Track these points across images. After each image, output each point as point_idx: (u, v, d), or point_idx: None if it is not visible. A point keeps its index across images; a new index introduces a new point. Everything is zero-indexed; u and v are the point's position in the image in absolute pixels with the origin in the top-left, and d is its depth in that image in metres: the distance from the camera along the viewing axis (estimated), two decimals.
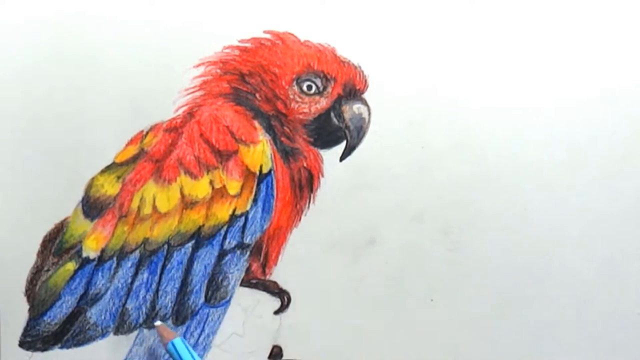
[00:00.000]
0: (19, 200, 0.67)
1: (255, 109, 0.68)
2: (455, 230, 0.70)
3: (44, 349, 0.67)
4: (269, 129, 0.68)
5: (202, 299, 0.67)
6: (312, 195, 0.69)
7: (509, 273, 0.70)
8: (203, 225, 0.67)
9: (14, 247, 0.67)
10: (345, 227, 0.69)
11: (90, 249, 0.67)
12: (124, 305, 0.67)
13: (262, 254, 0.69)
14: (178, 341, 0.63)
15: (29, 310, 0.67)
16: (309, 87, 0.68)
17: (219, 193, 0.67)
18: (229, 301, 0.68)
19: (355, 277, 0.69)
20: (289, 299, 0.69)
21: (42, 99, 0.68)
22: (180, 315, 0.67)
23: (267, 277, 0.69)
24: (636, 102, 0.70)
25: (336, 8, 0.69)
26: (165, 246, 0.67)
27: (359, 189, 0.69)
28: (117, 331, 0.67)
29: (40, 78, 0.68)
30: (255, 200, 0.67)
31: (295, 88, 0.68)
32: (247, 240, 0.68)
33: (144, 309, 0.67)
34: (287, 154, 0.69)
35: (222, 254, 0.67)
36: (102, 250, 0.67)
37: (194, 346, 0.67)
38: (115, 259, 0.67)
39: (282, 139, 0.68)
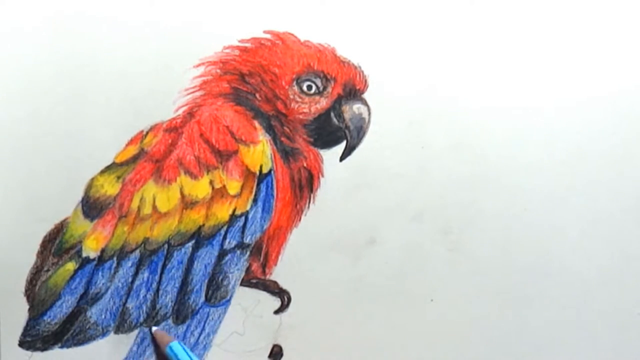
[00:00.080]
0: (19, 200, 0.67)
1: (255, 109, 0.68)
2: (455, 230, 0.70)
3: (44, 348, 0.67)
4: (269, 129, 0.68)
5: (203, 299, 0.67)
6: (312, 195, 0.69)
7: (509, 273, 0.70)
8: (203, 225, 0.67)
9: (14, 247, 0.67)
10: (345, 227, 0.69)
11: (90, 249, 0.67)
12: (124, 304, 0.67)
13: (262, 253, 0.69)
14: (175, 344, 0.63)
15: (29, 310, 0.67)
16: (309, 87, 0.68)
17: (219, 193, 0.67)
18: (229, 300, 0.68)
19: (355, 277, 0.69)
20: (289, 299, 0.69)
21: (42, 99, 0.68)
22: (181, 314, 0.67)
23: (267, 276, 0.69)
24: (636, 102, 0.70)
25: (336, 8, 0.69)
26: (166, 246, 0.67)
27: (359, 189, 0.69)
28: (118, 330, 0.67)
29: (40, 78, 0.68)
30: (255, 200, 0.68)
31: (295, 88, 0.68)
32: (247, 240, 0.68)
33: (144, 308, 0.67)
34: (287, 154, 0.69)
35: (222, 254, 0.67)
36: (102, 250, 0.67)
37: (195, 345, 0.68)
38: (115, 258, 0.67)
39: (282, 139, 0.68)
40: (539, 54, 0.70)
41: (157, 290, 0.67)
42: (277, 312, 0.69)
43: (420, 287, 0.69)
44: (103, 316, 0.67)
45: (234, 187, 0.67)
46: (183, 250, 0.67)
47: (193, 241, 0.67)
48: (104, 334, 0.67)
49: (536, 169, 0.70)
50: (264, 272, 0.69)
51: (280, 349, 0.69)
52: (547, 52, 0.70)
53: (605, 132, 0.70)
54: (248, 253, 0.68)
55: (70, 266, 0.67)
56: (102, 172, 0.67)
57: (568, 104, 0.70)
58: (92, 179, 0.67)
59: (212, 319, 0.68)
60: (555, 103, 0.70)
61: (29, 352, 0.67)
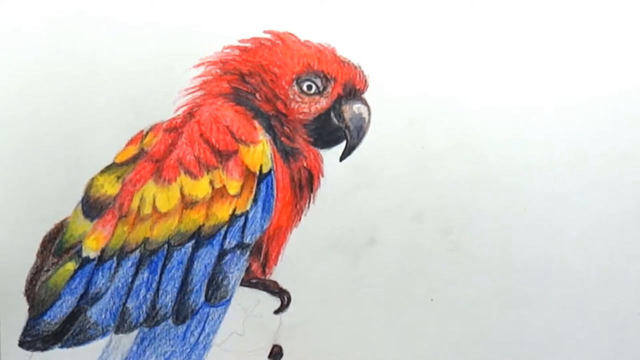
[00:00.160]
0: (19, 200, 0.67)
1: (255, 109, 0.68)
2: (455, 230, 0.70)
3: (44, 348, 0.67)
4: (269, 129, 0.68)
5: (203, 298, 0.67)
6: (312, 195, 0.69)
7: (509, 273, 0.70)
8: (203, 225, 0.67)
9: (14, 247, 0.67)
10: (345, 227, 0.69)
11: (90, 249, 0.67)
12: (124, 304, 0.67)
13: (262, 253, 0.69)
14: None
15: (29, 310, 0.67)
16: (309, 87, 0.68)
17: (219, 193, 0.67)
18: (229, 300, 0.68)
19: (355, 277, 0.69)
20: (289, 299, 0.69)
21: (42, 99, 0.68)
22: (181, 314, 0.67)
23: (267, 276, 0.69)
24: (636, 102, 0.70)
25: (336, 8, 0.69)
26: (166, 246, 0.67)
27: (359, 189, 0.69)
28: (118, 330, 0.67)
29: (40, 78, 0.68)
30: (255, 200, 0.67)
31: (295, 88, 0.68)
32: (247, 240, 0.68)
33: (144, 308, 0.67)
34: (287, 154, 0.69)
35: (222, 254, 0.67)
36: (102, 250, 0.67)
37: (195, 345, 0.68)
38: (115, 258, 0.67)
39: (282, 139, 0.68)
40: (539, 54, 0.70)
41: (157, 290, 0.67)
42: (277, 312, 0.69)
43: (420, 287, 0.70)
44: (103, 316, 0.67)
45: (234, 187, 0.67)
46: (183, 250, 0.67)
47: (193, 241, 0.67)
48: (104, 334, 0.67)
49: (536, 169, 0.70)
50: (264, 272, 0.69)
51: (280, 349, 0.69)
52: (547, 52, 0.70)
53: (605, 132, 0.70)
54: (248, 253, 0.68)
55: (70, 266, 0.67)
56: (102, 172, 0.67)
57: (568, 104, 0.70)
58: (92, 179, 0.67)
59: (212, 319, 0.68)
60: (555, 103, 0.70)
61: (29, 352, 0.67)
